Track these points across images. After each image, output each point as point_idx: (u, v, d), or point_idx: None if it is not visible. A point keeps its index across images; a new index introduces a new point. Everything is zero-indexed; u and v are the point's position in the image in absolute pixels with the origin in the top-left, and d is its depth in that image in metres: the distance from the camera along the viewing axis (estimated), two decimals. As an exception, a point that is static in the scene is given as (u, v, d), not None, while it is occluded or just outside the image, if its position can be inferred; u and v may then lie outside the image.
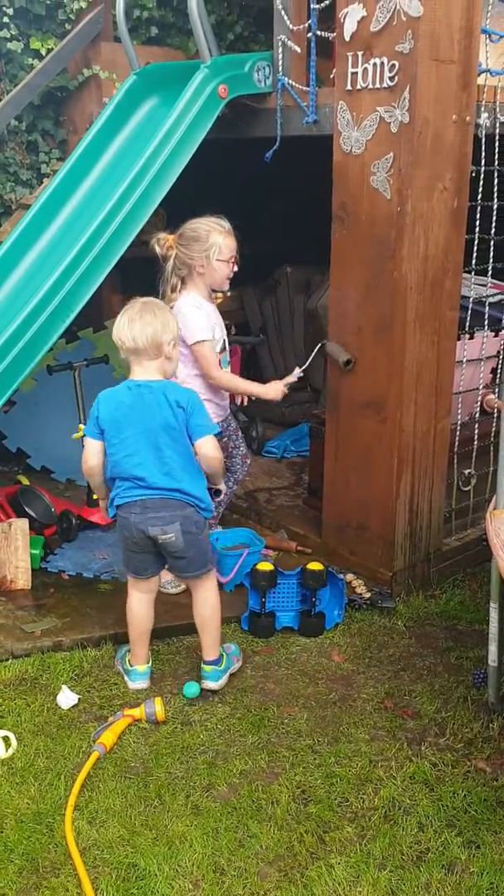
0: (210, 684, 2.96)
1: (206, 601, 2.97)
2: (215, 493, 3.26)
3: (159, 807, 2.44)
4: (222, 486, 3.23)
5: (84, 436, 2.94)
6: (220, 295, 4.06)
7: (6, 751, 2.62)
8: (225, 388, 3.50)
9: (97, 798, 2.46)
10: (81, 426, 3.96)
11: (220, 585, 3.51)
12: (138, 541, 2.84)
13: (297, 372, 3.55)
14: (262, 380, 5.50)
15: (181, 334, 3.21)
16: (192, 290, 3.39)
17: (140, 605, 2.98)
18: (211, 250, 3.30)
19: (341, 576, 3.43)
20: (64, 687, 2.90)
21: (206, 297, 3.43)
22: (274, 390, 3.53)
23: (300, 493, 4.43)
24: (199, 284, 3.39)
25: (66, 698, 2.86)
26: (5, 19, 4.23)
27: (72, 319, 3.38)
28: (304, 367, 3.56)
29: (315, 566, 3.27)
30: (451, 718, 2.84)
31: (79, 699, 2.88)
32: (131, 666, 3.02)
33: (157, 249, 3.37)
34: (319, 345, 3.59)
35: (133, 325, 2.72)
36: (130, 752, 2.65)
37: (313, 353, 3.59)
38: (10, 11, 4.23)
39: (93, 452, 2.83)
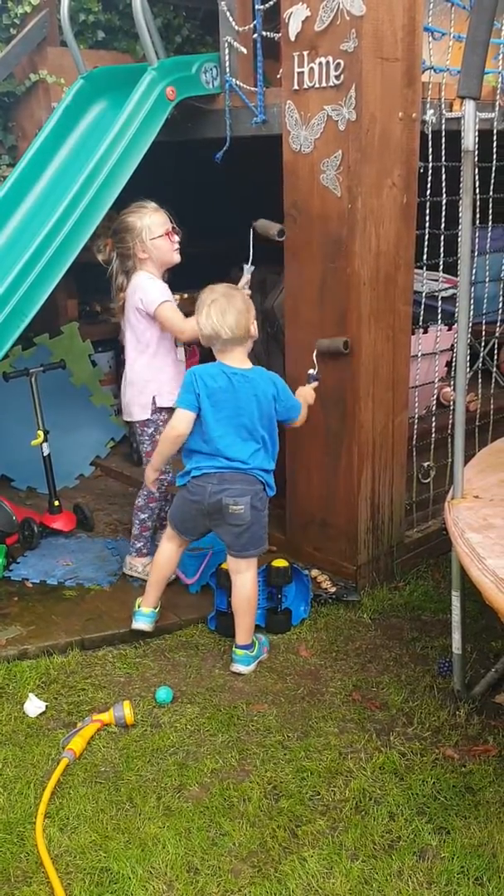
0: (240, 668, 3.08)
1: (248, 582, 3.09)
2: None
3: (131, 810, 2.43)
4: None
5: (176, 406, 3.07)
6: (176, 297, 4.07)
7: (-26, 762, 2.59)
8: (194, 337, 3.38)
9: (68, 804, 2.44)
10: (40, 432, 3.94)
11: (186, 587, 3.55)
12: (208, 508, 3.02)
13: (247, 269, 3.46)
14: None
15: (142, 308, 3.35)
16: (141, 272, 3.42)
17: (170, 554, 3.20)
18: (143, 233, 3.37)
19: (306, 572, 3.45)
20: (31, 695, 2.88)
21: (157, 276, 3.47)
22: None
23: (263, 491, 4.43)
24: (149, 267, 3.44)
25: (34, 706, 2.84)
26: None
27: (25, 325, 3.35)
28: (250, 262, 3.46)
29: (280, 563, 3.29)
30: (419, 708, 2.87)
31: (46, 706, 2.86)
32: (138, 608, 3.23)
33: (100, 257, 3.47)
34: (250, 229, 3.44)
35: (227, 315, 2.94)
36: (100, 757, 2.64)
37: (250, 242, 3.45)
38: (-46, 17, 4.19)
39: (187, 421, 3.01)
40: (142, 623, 3.22)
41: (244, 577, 3.08)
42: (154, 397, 3.46)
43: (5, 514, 3.97)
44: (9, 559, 3.79)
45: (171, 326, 3.39)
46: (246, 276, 3.47)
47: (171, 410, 3.56)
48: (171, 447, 3.10)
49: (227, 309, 2.94)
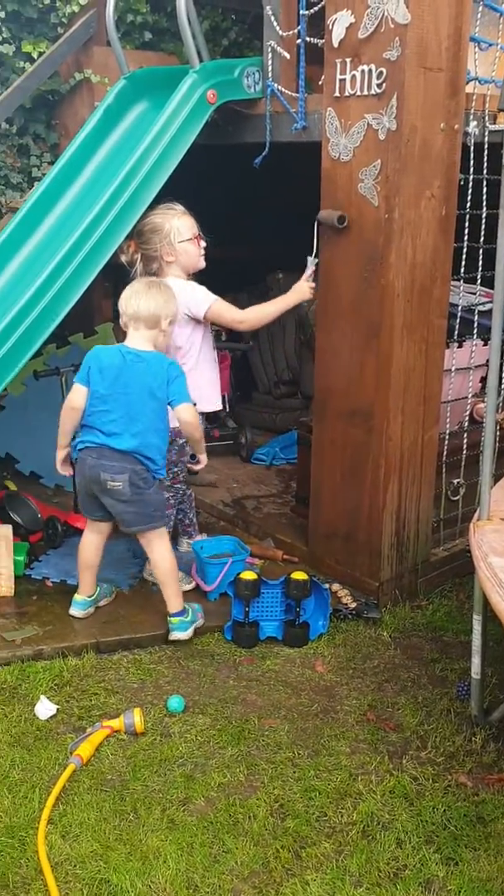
0: (178, 635, 3.19)
1: (161, 557, 3.21)
2: (192, 458, 3.42)
3: (134, 821, 2.41)
4: (203, 457, 3.41)
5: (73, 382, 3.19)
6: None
7: (-19, 762, 2.59)
8: (258, 322, 3.52)
9: (72, 811, 2.42)
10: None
11: (204, 594, 3.52)
12: (89, 483, 3.14)
13: (312, 261, 3.42)
14: (253, 386, 5.54)
15: (191, 314, 3.35)
16: (170, 277, 3.40)
17: (88, 542, 3.32)
18: (171, 235, 3.36)
19: (326, 586, 3.40)
20: (42, 697, 2.87)
21: (186, 280, 3.45)
22: (301, 291, 3.48)
23: (288, 500, 4.40)
24: (175, 271, 3.42)
25: (45, 708, 2.83)
26: (-4, 22, 4.21)
27: (57, 324, 3.35)
28: (315, 254, 3.42)
29: (299, 576, 3.24)
30: (434, 731, 2.81)
31: (57, 709, 2.84)
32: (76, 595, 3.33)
33: (123, 258, 3.45)
34: (315, 224, 3.38)
35: (139, 296, 3.10)
36: (108, 765, 2.62)
37: (316, 237, 3.40)
38: (2, 15, 4.21)
39: (79, 396, 3.13)
40: (74, 610, 3.32)
41: (156, 552, 3.20)
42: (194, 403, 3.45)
43: (30, 511, 3.99)
44: (31, 557, 3.80)
45: (229, 320, 3.41)
46: (310, 269, 3.43)
47: (205, 415, 3.56)
48: (67, 421, 3.19)
49: (143, 294, 3.10)
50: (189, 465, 3.48)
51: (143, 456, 3.10)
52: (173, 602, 3.20)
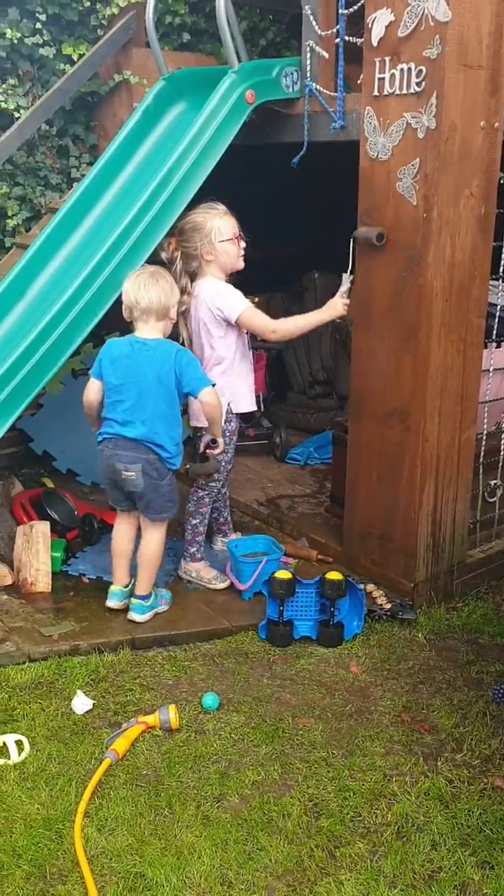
0: (135, 616, 3.31)
1: (152, 542, 3.33)
2: (213, 442, 3.43)
3: (169, 816, 2.42)
4: (221, 440, 3.42)
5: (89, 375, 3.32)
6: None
7: (19, 755, 2.62)
8: (289, 334, 3.54)
9: (107, 805, 2.45)
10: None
11: (239, 593, 3.53)
12: (108, 473, 3.27)
13: (347, 277, 3.41)
14: (288, 386, 5.54)
15: (222, 316, 3.35)
16: (208, 276, 3.40)
17: (119, 532, 3.42)
18: (212, 234, 3.36)
19: (361, 586, 3.39)
20: (79, 692, 2.90)
21: (224, 281, 3.46)
22: (335, 307, 3.47)
23: (322, 500, 4.39)
24: (214, 270, 3.42)
25: (81, 703, 2.86)
26: (38, 25, 4.26)
27: (96, 323, 3.39)
28: (350, 271, 3.40)
29: (334, 576, 3.24)
30: (469, 734, 2.79)
31: (93, 704, 2.87)
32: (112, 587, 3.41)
33: (164, 255, 3.45)
34: (351, 240, 3.38)
35: (148, 289, 3.14)
36: (143, 760, 2.64)
37: (352, 254, 3.39)
38: (43, 17, 4.26)
39: (93, 389, 3.27)
40: (111, 601, 3.39)
41: (150, 536, 3.33)
42: (230, 404, 3.46)
43: (68, 508, 4.03)
44: (68, 554, 3.84)
45: (260, 328, 3.40)
46: (345, 285, 3.41)
47: (241, 416, 3.57)
48: (88, 414, 3.36)
49: (149, 284, 3.14)
50: (209, 451, 3.44)
51: (152, 444, 3.17)
52: (142, 584, 3.33)
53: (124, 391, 3.17)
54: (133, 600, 3.31)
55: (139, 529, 3.39)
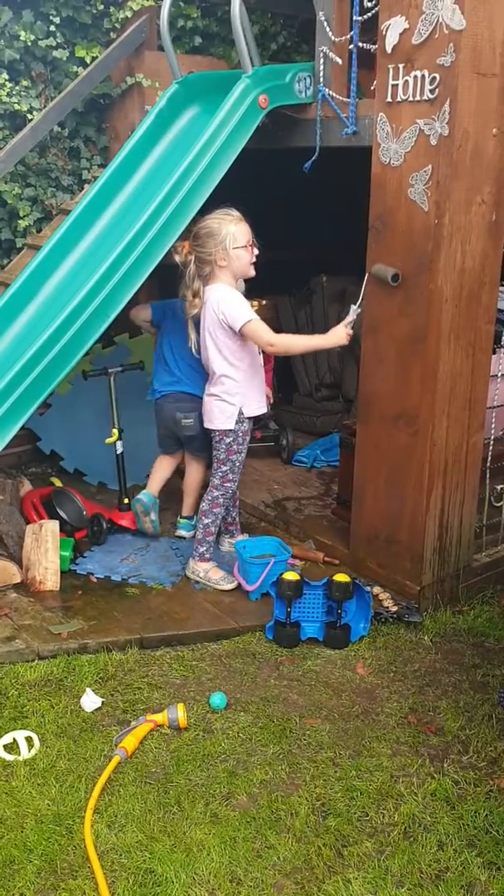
0: (182, 532, 4.07)
1: (198, 472, 4.03)
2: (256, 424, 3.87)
3: (178, 814, 2.44)
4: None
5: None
6: (255, 303, 4.09)
7: (29, 751, 2.65)
8: (286, 350, 3.65)
9: (117, 802, 2.47)
10: (115, 431, 4.01)
11: (246, 594, 3.55)
12: (168, 423, 3.86)
13: (355, 309, 3.41)
14: (295, 388, 5.56)
15: (227, 321, 3.40)
16: (218, 282, 3.42)
17: (163, 462, 4.07)
18: (226, 240, 3.38)
19: (368, 588, 3.41)
20: (88, 690, 2.92)
21: (234, 287, 3.48)
22: (337, 335, 3.44)
23: (329, 503, 4.41)
24: (226, 276, 3.45)
25: (90, 701, 2.88)
26: (52, 27, 4.29)
27: (108, 325, 3.41)
28: (359, 303, 3.42)
29: (342, 578, 3.26)
30: (475, 736, 2.81)
31: (102, 702, 2.89)
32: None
33: (177, 258, 3.47)
34: (366, 276, 3.42)
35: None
36: (151, 758, 2.66)
37: (363, 286, 3.43)
38: (57, 20, 4.29)
39: (144, 317, 4.00)
40: (182, 531, 4.09)
41: (195, 467, 4.02)
42: (241, 408, 3.49)
43: (76, 508, 4.05)
44: (76, 553, 3.86)
45: (259, 341, 3.41)
46: (351, 316, 3.41)
47: (252, 420, 3.60)
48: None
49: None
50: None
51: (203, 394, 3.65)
52: (187, 507, 4.09)
53: (175, 353, 3.83)
54: (181, 520, 4.09)
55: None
